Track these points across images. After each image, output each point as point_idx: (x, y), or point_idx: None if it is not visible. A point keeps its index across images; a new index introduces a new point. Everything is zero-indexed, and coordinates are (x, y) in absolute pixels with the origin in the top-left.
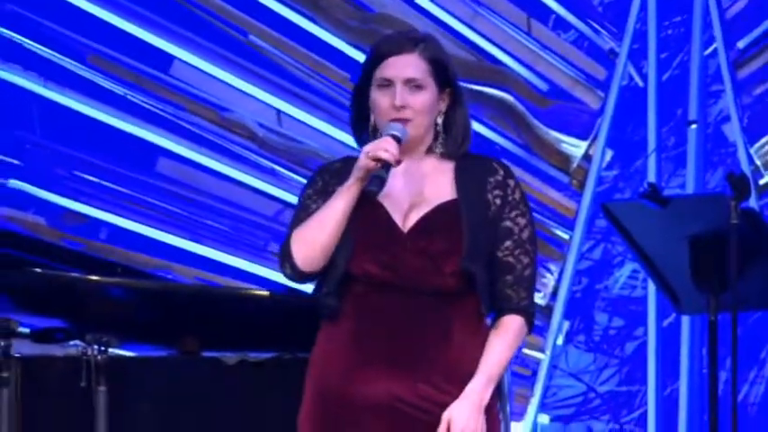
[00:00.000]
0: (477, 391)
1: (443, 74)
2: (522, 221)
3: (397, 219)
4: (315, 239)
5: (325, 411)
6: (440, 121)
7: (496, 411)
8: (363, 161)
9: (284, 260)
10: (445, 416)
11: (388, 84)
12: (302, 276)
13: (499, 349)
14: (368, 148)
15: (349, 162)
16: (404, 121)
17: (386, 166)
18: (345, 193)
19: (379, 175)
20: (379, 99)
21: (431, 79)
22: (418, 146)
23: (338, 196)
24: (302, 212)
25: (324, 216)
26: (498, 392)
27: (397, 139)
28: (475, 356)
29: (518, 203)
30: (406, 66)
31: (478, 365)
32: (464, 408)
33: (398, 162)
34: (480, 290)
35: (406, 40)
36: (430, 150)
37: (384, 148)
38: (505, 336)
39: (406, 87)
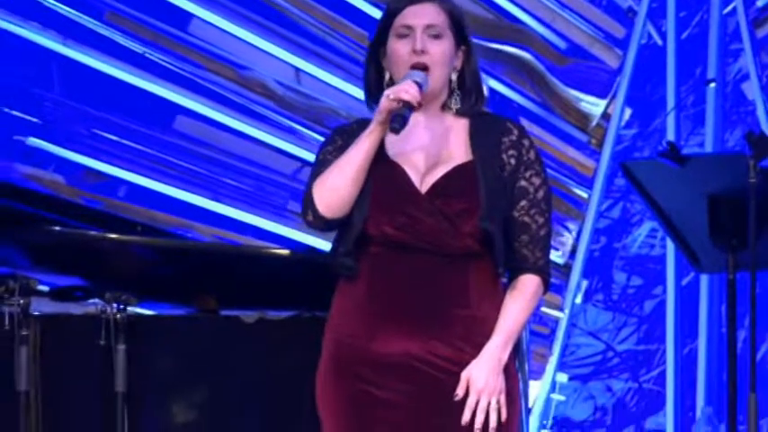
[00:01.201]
0: (495, 350)
1: (460, 29)
2: (537, 181)
3: (414, 179)
4: (337, 185)
5: (342, 370)
6: (454, 77)
7: (514, 370)
8: (385, 103)
9: (306, 207)
10: (464, 375)
11: (407, 32)
12: (325, 223)
13: (516, 309)
14: (389, 91)
15: (363, 124)
16: (423, 67)
17: (408, 107)
18: (367, 138)
19: (401, 114)
20: (399, 48)
21: (449, 31)
22: (434, 101)
23: (360, 141)
24: (322, 167)
25: (346, 161)
26: (516, 351)
27: (419, 86)
28: (492, 316)
29: (533, 163)
30: (426, 13)
31: (496, 325)
32: (483, 367)
33: (420, 104)
34: (497, 250)
35: None
36: (444, 108)
37: (405, 89)
38: (522, 296)
39: (426, 34)
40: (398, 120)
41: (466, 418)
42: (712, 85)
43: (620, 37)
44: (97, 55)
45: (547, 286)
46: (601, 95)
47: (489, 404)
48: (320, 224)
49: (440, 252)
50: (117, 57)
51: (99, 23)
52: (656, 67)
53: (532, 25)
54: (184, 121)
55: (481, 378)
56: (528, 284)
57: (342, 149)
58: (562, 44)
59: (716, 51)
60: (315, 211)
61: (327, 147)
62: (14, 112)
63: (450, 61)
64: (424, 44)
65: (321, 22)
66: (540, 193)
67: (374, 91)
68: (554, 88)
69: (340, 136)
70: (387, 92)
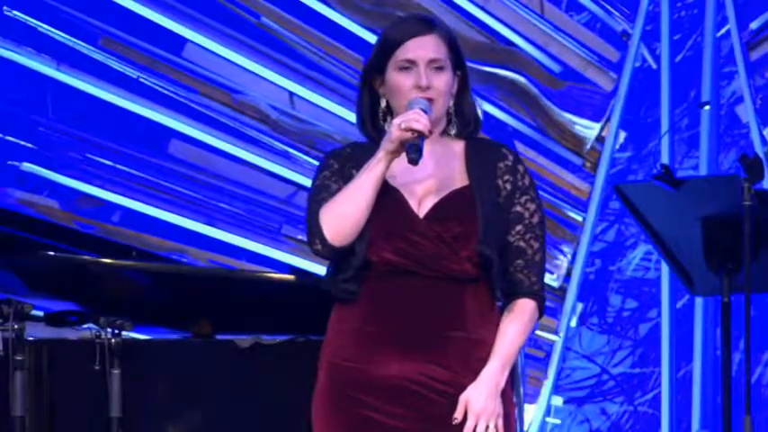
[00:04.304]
0: (493, 374)
1: (457, 56)
2: (531, 206)
3: (412, 203)
4: (345, 213)
5: (339, 394)
6: (451, 104)
7: (510, 395)
8: (396, 133)
9: (313, 236)
10: (462, 398)
11: (409, 65)
12: (332, 251)
13: (513, 333)
14: (398, 120)
15: (356, 148)
16: (428, 100)
17: (420, 136)
18: (376, 166)
19: (415, 143)
20: (402, 81)
21: (449, 62)
22: (435, 129)
23: (368, 170)
24: (323, 192)
25: (353, 189)
26: (511, 375)
27: (425, 113)
28: (488, 339)
29: (528, 189)
30: (428, 47)
31: (493, 349)
32: (481, 391)
33: (431, 132)
34: (495, 274)
35: (423, 22)
36: (443, 134)
37: (415, 119)
38: (519, 320)
39: (429, 68)
40: (414, 150)
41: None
42: (706, 107)
43: (614, 60)
44: (91, 80)
45: (542, 310)
46: (595, 119)
47: (487, 428)
48: (327, 252)
49: (437, 276)
50: (111, 82)
51: (93, 48)
52: (650, 89)
53: (527, 49)
54: (178, 145)
55: (479, 401)
56: (524, 308)
57: (339, 173)
58: (556, 68)
59: (710, 74)
60: (323, 239)
61: (324, 171)
62: (8, 138)
63: (451, 91)
64: (429, 80)
65: (315, 46)
66: (535, 219)
67: (367, 117)
68: (548, 112)
69: (335, 160)
70: (396, 121)
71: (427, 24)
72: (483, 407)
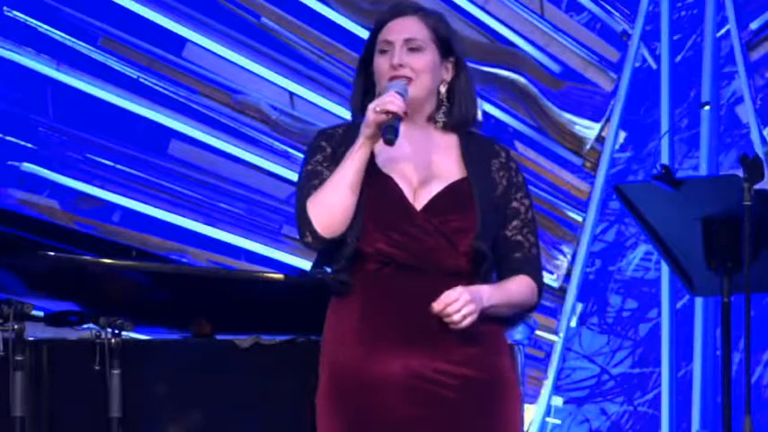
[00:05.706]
0: (483, 291)
1: (445, 42)
2: (526, 202)
3: (408, 194)
4: (332, 203)
5: (341, 389)
6: (443, 90)
7: (516, 381)
8: (372, 116)
9: (303, 228)
10: (456, 288)
11: (388, 48)
12: (323, 243)
13: (513, 286)
14: (373, 104)
15: (349, 128)
16: (403, 78)
17: (396, 117)
18: (357, 153)
19: (391, 125)
20: (381, 63)
21: (431, 44)
22: (419, 111)
23: (350, 157)
24: (314, 179)
25: (338, 179)
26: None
27: (400, 95)
28: (485, 330)
29: (522, 185)
30: (406, 27)
31: (490, 323)
32: (471, 291)
33: (406, 114)
34: (489, 268)
35: (407, 6)
36: (431, 120)
37: (390, 101)
38: (519, 282)
39: (405, 48)
40: (391, 131)
41: (437, 306)
42: (706, 107)
43: (614, 60)
44: (91, 80)
45: (539, 297)
46: (595, 119)
47: (458, 312)
48: (318, 244)
49: (434, 269)
50: (111, 82)
51: (93, 49)
52: (650, 90)
53: (527, 49)
54: (178, 145)
55: (467, 293)
56: (523, 281)
57: (332, 158)
58: (556, 68)
59: (710, 74)
60: (313, 231)
61: (316, 156)
62: (8, 138)
63: (433, 72)
64: (401, 58)
65: (315, 46)
66: (530, 214)
67: (358, 105)
68: (548, 112)
69: (328, 143)
70: (371, 105)
71: (409, 7)
72: (470, 296)
